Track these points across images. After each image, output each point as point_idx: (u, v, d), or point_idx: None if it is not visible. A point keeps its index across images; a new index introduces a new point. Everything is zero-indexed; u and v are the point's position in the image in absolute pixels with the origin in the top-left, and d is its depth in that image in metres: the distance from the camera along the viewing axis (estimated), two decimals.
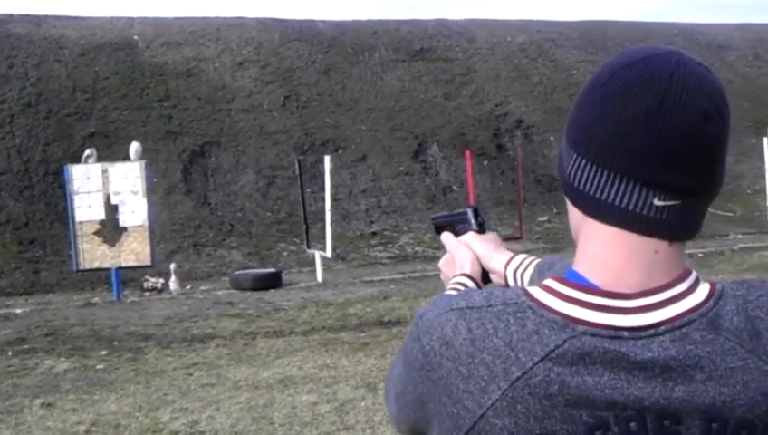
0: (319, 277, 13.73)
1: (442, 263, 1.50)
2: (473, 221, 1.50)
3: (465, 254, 1.45)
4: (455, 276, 1.42)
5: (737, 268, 12.44)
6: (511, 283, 1.42)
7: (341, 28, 23.86)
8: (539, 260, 1.43)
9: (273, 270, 14.17)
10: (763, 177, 17.44)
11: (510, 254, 1.45)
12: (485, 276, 1.46)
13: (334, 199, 15.37)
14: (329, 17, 28.56)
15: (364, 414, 6.02)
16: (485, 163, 20.47)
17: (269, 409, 6.27)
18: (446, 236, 1.51)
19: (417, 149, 20.55)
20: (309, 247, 14.85)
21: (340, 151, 19.55)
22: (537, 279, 1.37)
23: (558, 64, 24.68)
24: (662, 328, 0.91)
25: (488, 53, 24.29)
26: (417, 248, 16.99)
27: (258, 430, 5.81)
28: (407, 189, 19.37)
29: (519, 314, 0.93)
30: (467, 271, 1.42)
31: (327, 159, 14.12)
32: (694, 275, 0.96)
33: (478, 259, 1.45)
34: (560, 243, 16.25)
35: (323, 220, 14.02)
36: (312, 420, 5.96)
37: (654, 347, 0.90)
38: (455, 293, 1.32)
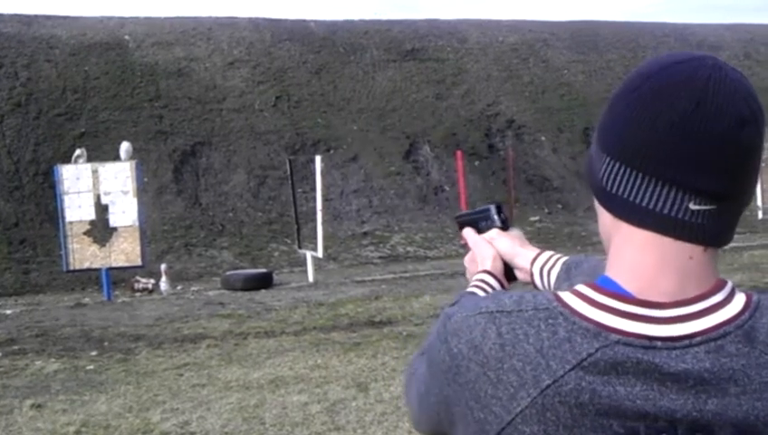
0: (310, 277, 13.72)
1: (467, 260, 1.49)
2: (496, 218, 1.48)
3: (486, 250, 1.44)
4: (476, 273, 1.41)
5: (728, 268, 12.47)
6: (537, 280, 1.42)
7: (333, 28, 23.85)
8: (566, 258, 1.42)
9: (264, 270, 14.16)
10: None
11: (536, 250, 1.44)
12: (509, 273, 1.45)
13: (325, 199, 15.36)
14: (320, 17, 28.51)
15: (355, 414, 6.01)
16: (477, 163, 20.49)
17: (260, 409, 6.26)
18: (468, 232, 1.50)
19: (409, 149, 20.56)
20: (300, 247, 14.84)
21: (331, 151, 19.54)
22: (564, 277, 1.37)
23: (549, 64, 24.72)
24: (697, 339, 0.90)
25: (479, 54, 24.32)
26: (408, 248, 16.99)
27: (249, 430, 5.80)
28: (398, 189, 19.38)
29: (550, 321, 0.92)
30: (488, 268, 1.41)
31: (318, 159, 14.10)
32: (729, 285, 0.94)
33: (501, 256, 1.44)
34: (551, 243, 16.26)
35: (314, 220, 14.01)
36: (303, 420, 5.95)
37: (688, 359, 0.89)
38: (479, 291, 1.32)
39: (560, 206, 19.63)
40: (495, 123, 22.22)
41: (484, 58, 24.20)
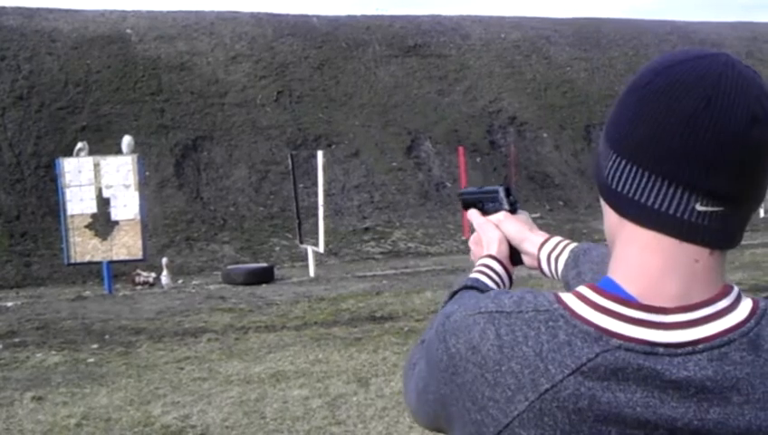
0: (311, 272, 13.72)
1: (471, 241, 1.45)
2: (504, 200, 1.43)
3: (492, 233, 1.41)
4: (481, 257, 1.38)
5: (729, 266, 12.31)
6: (544, 266, 1.39)
7: (335, 23, 23.82)
8: (574, 245, 1.39)
9: (265, 265, 14.16)
10: None
11: (544, 236, 1.41)
12: (515, 257, 1.41)
13: (327, 195, 15.36)
14: (323, 12, 28.48)
15: (356, 409, 6.03)
16: (478, 159, 20.48)
17: (261, 403, 6.28)
18: (473, 214, 1.46)
19: (411, 144, 20.56)
20: (301, 242, 14.85)
21: (333, 147, 19.54)
22: (572, 265, 1.35)
23: (551, 61, 24.70)
24: (700, 346, 0.87)
25: (482, 50, 24.29)
26: (409, 244, 16.99)
27: (249, 424, 5.81)
28: (399, 185, 19.38)
29: (551, 323, 0.89)
30: (494, 252, 1.38)
31: (320, 154, 14.11)
32: (736, 290, 0.91)
33: (507, 240, 1.40)
34: None
35: (316, 215, 14.01)
36: (304, 414, 5.96)
37: (690, 366, 0.86)
38: (482, 276, 1.29)
39: (561, 203, 19.63)
40: (497, 120, 22.21)
41: (486, 54, 24.18)
